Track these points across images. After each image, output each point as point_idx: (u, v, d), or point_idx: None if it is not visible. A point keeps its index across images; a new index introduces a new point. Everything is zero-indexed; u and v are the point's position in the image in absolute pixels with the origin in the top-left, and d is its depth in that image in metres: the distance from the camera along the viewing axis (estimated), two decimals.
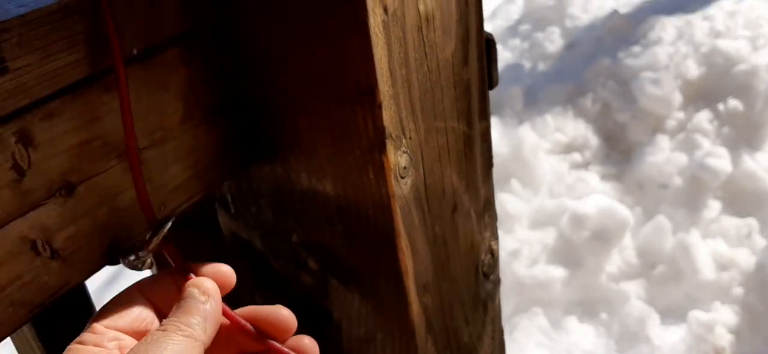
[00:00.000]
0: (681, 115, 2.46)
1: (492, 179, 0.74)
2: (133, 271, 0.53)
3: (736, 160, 2.31)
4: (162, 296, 0.48)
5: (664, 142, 2.40)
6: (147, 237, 0.50)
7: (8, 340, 0.51)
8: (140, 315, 0.46)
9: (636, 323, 1.99)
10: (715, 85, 2.46)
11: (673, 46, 2.64)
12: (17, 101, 0.45)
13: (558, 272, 2.13)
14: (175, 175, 0.56)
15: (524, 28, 3.24)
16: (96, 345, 0.43)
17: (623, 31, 2.86)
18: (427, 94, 0.58)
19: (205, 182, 0.59)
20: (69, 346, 0.43)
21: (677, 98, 2.46)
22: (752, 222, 2.20)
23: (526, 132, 2.45)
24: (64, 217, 0.48)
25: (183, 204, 0.57)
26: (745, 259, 2.10)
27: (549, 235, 2.21)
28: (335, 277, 0.65)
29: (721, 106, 2.39)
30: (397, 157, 0.56)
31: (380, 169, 0.55)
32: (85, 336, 0.44)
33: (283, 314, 0.49)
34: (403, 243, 0.59)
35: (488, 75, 0.68)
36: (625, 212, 2.14)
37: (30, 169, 0.46)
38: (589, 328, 2.11)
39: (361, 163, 0.56)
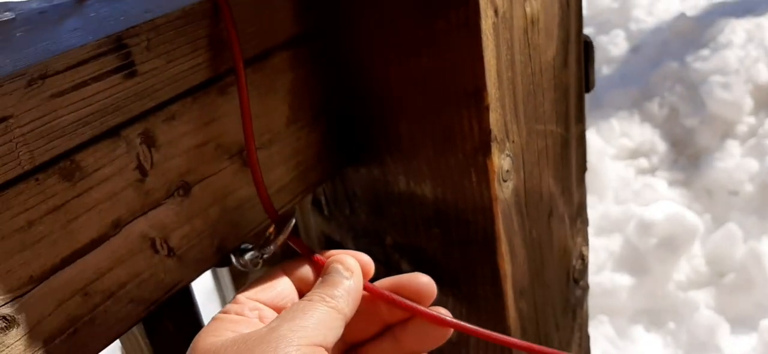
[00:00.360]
0: (752, 119, 2.38)
1: (585, 184, 0.73)
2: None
3: None
4: (303, 278, 0.50)
5: (734, 147, 2.33)
6: (271, 234, 0.51)
7: None
8: (282, 291, 0.48)
9: (705, 332, 1.93)
10: None
11: (743, 50, 2.55)
12: (144, 104, 0.46)
13: (624, 280, 2.09)
14: (280, 177, 0.57)
15: (588, 31, 3.17)
16: (238, 313, 0.45)
17: (691, 34, 2.79)
18: (530, 97, 0.58)
19: (306, 183, 0.59)
20: (214, 315, 0.45)
21: (748, 103, 2.38)
22: None
23: (592, 137, 2.40)
24: (181, 216, 0.50)
25: (286, 205, 0.58)
26: None
27: (615, 242, 2.17)
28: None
29: None
30: (500, 161, 0.55)
31: (483, 173, 0.55)
32: (228, 306, 0.46)
33: (423, 281, 0.50)
34: (504, 247, 0.58)
35: (585, 77, 0.68)
36: (694, 219, 2.08)
37: (152, 170, 0.47)
38: (656, 337, 2.06)
39: (464, 166, 0.56)
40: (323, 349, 0.41)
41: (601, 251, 2.16)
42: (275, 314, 0.46)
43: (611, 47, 2.94)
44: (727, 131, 2.38)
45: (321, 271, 0.49)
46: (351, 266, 0.48)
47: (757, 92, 2.40)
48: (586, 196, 0.73)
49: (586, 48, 0.67)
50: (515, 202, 0.59)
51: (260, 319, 0.45)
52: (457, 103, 0.54)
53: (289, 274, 0.50)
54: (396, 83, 0.56)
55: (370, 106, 0.59)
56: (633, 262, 2.12)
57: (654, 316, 2.12)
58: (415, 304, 0.49)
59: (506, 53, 0.53)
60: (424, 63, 0.54)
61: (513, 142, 0.57)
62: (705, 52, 2.59)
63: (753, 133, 2.36)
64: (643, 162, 2.43)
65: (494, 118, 0.53)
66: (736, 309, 2.07)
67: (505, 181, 0.56)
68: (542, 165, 0.62)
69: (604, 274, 2.11)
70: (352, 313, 0.46)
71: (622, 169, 2.40)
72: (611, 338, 1.99)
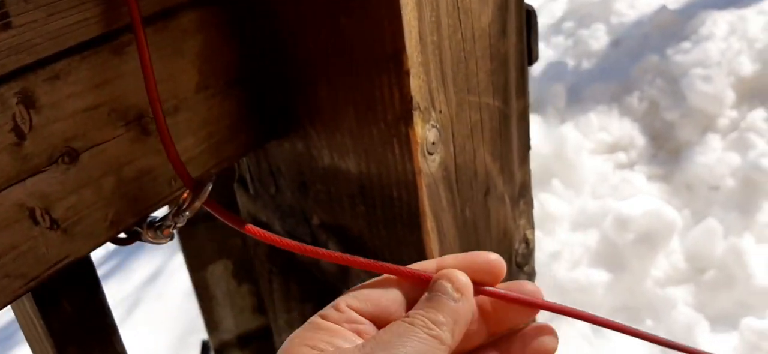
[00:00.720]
0: (734, 113, 2.35)
1: (529, 163, 0.69)
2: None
3: None
4: (413, 290, 0.44)
5: (715, 141, 2.30)
6: (185, 201, 0.47)
7: (11, 313, 0.49)
8: (388, 305, 0.42)
9: (684, 330, 1.90)
10: None
11: (725, 42, 2.52)
12: (20, 59, 0.42)
13: (601, 276, 2.06)
14: (188, 148, 0.53)
15: (568, 25, 3.16)
16: (336, 323, 0.40)
17: (672, 27, 2.75)
18: (461, 65, 0.54)
19: (220, 157, 0.55)
20: (311, 319, 0.41)
21: (730, 96, 2.35)
22: None
23: (569, 131, 2.37)
24: (67, 185, 0.45)
25: None
26: None
27: (591, 238, 2.14)
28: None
29: None
30: (425, 131, 0.51)
31: (406, 144, 0.51)
32: (327, 311, 0.41)
33: (491, 258, 0.44)
34: (430, 224, 0.54)
35: (528, 49, 0.64)
36: (672, 214, 2.05)
37: (31, 133, 0.43)
38: None
39: (386, 136, 0.52)
40: None
41: (577, 247, 2.13)
42: (375, 330, 0.41)
43: (592, 41, 2.91)
44: (708, 125, 2.35)
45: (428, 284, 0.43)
46: (461, 286, 0.41)
47: (739, 85, 2.37)
48: (531, 177, 0.70)
49: (529, 17, 0.63)
50: (443, 177, 0.55)
51: (358, 333, 0.40)
52: (376, 68, 0.50)
53: (399, 284, 0.44)
54: (314, 47, 0.53)
55: (289, 74, 0.55)
56: (610, 257, 2.09)
57: (631, 314, 2.09)
58: (542, 300, 0.44)
59: (430, 14, 0.49)
60: (342, 23, 0.50)
61: (440, 112, 0.53)
62: (686, 44, 2.56)
63: (735, 126, 2.33)
64: (622, 156, 2.40)
65: (416, 85, 0.50)
66: (716, 307, 2.04)
67: (430, 154, 0.53)
68: (477, 140, 0.58)
69: (580, 270, 2.08)
70: (458, 340, 0.40)
71: (600, 164, 2.37)
72: (586, 336, 1.95)
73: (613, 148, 2.45)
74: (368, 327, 0.41)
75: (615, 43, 2.89)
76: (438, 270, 0.42)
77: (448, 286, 0.40)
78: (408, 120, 0.50)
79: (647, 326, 2.01)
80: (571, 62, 2.92)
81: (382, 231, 0.57)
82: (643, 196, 2.13)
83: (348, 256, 0.45)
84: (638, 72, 2.57)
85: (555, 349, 0.44)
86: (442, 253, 0.57)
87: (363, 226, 0.58)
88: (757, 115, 2.29)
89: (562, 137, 2.34)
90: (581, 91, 2.63)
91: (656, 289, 2.07)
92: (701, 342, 1.87)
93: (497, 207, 0.64)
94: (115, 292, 2.70)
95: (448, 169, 0.55)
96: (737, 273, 2.00)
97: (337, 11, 0.49)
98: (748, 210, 2.10)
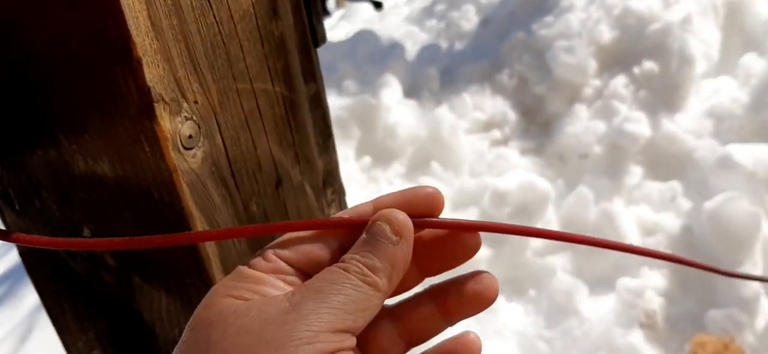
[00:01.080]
0: (597, 82, 2.43)
1: (333, 150, 0.66)
2: None
3: (655, 124, 2.29)
4: (354, 240, 0.39)
5: (581, 111, 2.37)
6: None
7: None
8: (320, 253, 0.38)
9: (564, 297, 1.95)
10: (630, 48, 2.44)
11: (585, 12, 2.60)
12: None
13: (483, 252, 2.08)
14: None
15: (440, 7, 3.19)
16: (262, 271, 0.37)
17: (536, 2, 2.82)
18: (218, 50, 0.49)
19: None
20: (238, 267, 0.37)
21: (592, 65, 2.42)
22: (675, 185, 2.18)
23: (444, 113, 2.39)
24: None
25: None
26: (671, 222, 2.08)
27: (471, 215, 2.16)
28: (137, 274, 0.55)
29: (636, 70, 2.37)
30: (176, 125, 0.47)
31: (154, 140, 0.46)
32: (254, 260, 0.37)
33: (429, 191, 0.39)
34: (200, 225, 0.50)
35: (311, 30, 0.60)
36: (545, 185, 2.10)
37: None
38: (517, 306, 2.07)
39: (133, 134, 0.47)
40: (350, 336, 0.34)
41: None
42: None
43: (463, 22, 2.95)
44: (574, 96, 2.42)
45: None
46: (400, 227, 0.37)
47: (600, 53, 2.45)
48: (338, 163, 0.66)
49: None
50: (212, 172, 0.50)
51: (286, 284, 0.36)
52: (108, 59, 0.45)
53: (334, 234, 0.39)
54: (41, 43, 0.47)
55: (26, 75, 0.49)
56: (490, 233, 2.12)
57: (514, 285, 2.12)
58: (492, 223, 0.40)
59: None
60: (63, 14, 0.44)
61: (196, 102, 0.48)
62: (549, 18, 2.63)
63: (599, 95, 2.41)
64: (496, 133, 2.44)
65: (155, 74, 0.45)
66: (593, 271, 2.10)
67: (188, 148, 0.48)
68: (256, 129, 0.54)
69: None
70: (395, 286, 0.37)
71: (476, 143, 2.40)
72: None
73: (487, 126, 2.49)
74: (297, 279, 0.37)
75: (484, 23, 2.94)
76: (375, 212, 0.38)
77: (386, 228, 0.37)
78: (150, 114, 0.45)
79: (530, 296, 2.05)
80: (444, 44, 2.94)
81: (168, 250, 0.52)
82: (518, 171, 2.17)
83: (237, 228, 0.41)
84: (507, 49, 2.61)
85: (495, 291, 0.40)
86: (225, 255, 0.53)
87: (133, 234, 0.53)
88: (618, 81, 2.37)
89: (437, 119, 2.35)
90: (454, 73, 2.66)
91: (536, 259, 2.11)
92: (582, 307, 1.92)
93: (295, 198, 0.60)
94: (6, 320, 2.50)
95: (217, 164, 0.51)
96: (610, 236, 2.07)
97: (55, 2, 0.44)
98: (615, 175, 2.18)
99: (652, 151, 2.27)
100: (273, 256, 0.37)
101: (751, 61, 2.39)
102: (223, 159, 0.51)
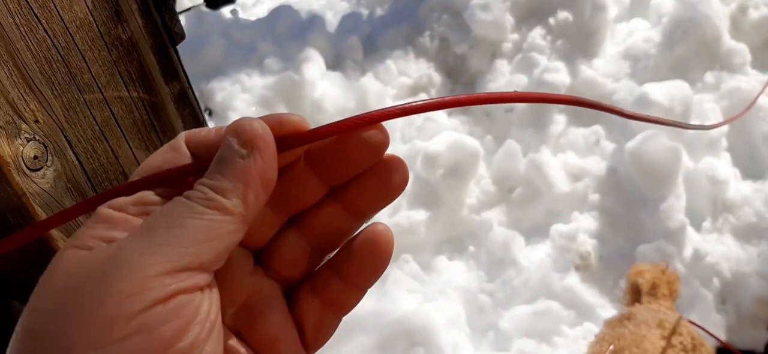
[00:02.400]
0: (515, 36, 2.47)
1: None
2: None
3: (573, 71, 2.35)
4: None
5: (503, 66, 2.41)
6: None
7: None
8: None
9: (502, 249, 2.00)
10: (544, 0, 2.49)
11: None
12: None
13: (420, 215, 2.10)
14: None
15: None
16: (120, 209, 0.31)
17: None
18: (56, 64, 0.47)
19: None
20: (98, 209, 0.31)
21: (509, 20, 2.47)
22: (598, 129, 2.25)
23: (370, 81, 2.39)
24: None
25: None
26: (596, 165, 2.15)
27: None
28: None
29: (552, 20, 2.42)
30: (15, 148, 0.44)
31: None
32: (115, 200, 0.31)
33: (292, 118, 0.34)
34: (61, 244, 0.48)
35: (165, 28, 0.57)
36: (474, 143, 2.13)
37: None
38: (459, 264, 2.11)
39: None
40: (196, 273, 0.29)
41: None
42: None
43: None
44: (494, 52, 2.46)
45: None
46: (249, 137, 0.31)
47: (515, 8, 2.49)
48: None
49: None
50: (68, 189, 0.48)
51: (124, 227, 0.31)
52: None
53: (195, 147, 0.33)
54: None
55: None
56: (426, 196, 2.14)
57: (454, 244, 2.16)
58: (385, 109, 0.34)
59: None
60: None
61: (36, 121, 0.46)
62: None
63: (518, 49, 2.45)
64: (424, 97, 2.46)
65: None
66: (528, 220, 2.16)
67: (35, 169, 0.46)
68: (114, 139, 0.52)
69: (401, 214, 2.11)
70: (258, 209, 0.31)
71: None
72: (417, 275, 2.00)
73: (414, 90, 2.50)
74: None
75: None
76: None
77: (233, 140, 0.31)
78: None
79: (470, 252, 2.10)
80: (364, 12, 2.93)
81: (25, 265, 0.50)
82: (447, 132, 2.19)
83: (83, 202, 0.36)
84: (426, 11, 2.63)
85: (401, 169, 0.35)
86: None
87: (3, 263, 0.51)
88: (535, 33, 2.42)
89: (364, 89, 2.34)
90: (377, 40, 2.66)
91: (472, 215, 2.15)
92: (519, 256, 1.97)
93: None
94: None
95: (74, 180, 0.49)
96: (540, 185, 2.12)
97: None
98: (541, 125, 2.23)
99: None
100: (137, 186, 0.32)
101: (661, 2, 2.47)
102: (80, 174, 0.50)
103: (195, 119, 0.57)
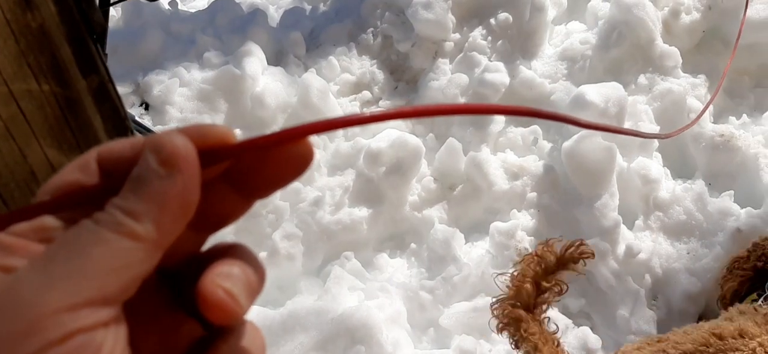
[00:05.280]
0: (457, 36, 2.50)
1: None
2: None
3: (513, 71, 2.39)
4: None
5: (445, 65, 2.43)
6: None
7: None
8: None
9: (442, 246, 2.01)
10: (485, 1, 2.52)
11: None
12: None
13: (362, 213, 2.10)
14: None
15: None
16: (21, 235, 0.28)
17: None
18: None
19: None
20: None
21: (451, 20, 2.49)
22: (536, 128, 2.30)
23: (313, 77, 2.37)
24: None
25: None
26: (534, 164, 2.19)
27: (348, 178, 2.17)
28: None
29: (492, 21, 2.46)
30: None
31: None
32: (18, 226, 0.28)
33: (217, 130, 0.31)
34: None
35: (83, 17, 0.55)
36: (417, 141, 2.14)
37: None
38: (401, 261, 2.12)
39: None
40: (104, 308, 0.26)
41: (337, 189, 2.15)
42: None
43: None
44: (437, 51, 2.48)
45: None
46: (169, 154, 0.28)
47: (457, 8, 2.51)
48: None
49: None
50: None
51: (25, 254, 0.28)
52: None
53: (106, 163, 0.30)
54: None
55: None
56: (368, 193, 2.14)
57: (396, 241, 2.17)
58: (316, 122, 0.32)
59: None
60: None
61: None
62: None
63: (460, 48, 2.48)
64: (367, 94, 2.46)
65: None
66: (468, 218, 2.18)
67: None
68: (22, 136, 0.50)
69: (343, 211, 2.11)
70: (176, 230, 0.28)
71: (347, 105, 2.41)
72: (358, 272, 2.00)
73: (357, 88, 2.50)
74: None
75: None
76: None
77: (151, 158, 0.28)
78: None
79: (412, 249, 2.11)
80: (307, 7, 2.90)
81: None
82: (390, 129, 2.19)
83: None
84: (369, 8, 2.62)
85: (309, 155, 0.33)
86: None
87: None
88: (477, 34, 2.45)
89: (306, 85, 2.33)
90: (319, 35, 2.64)
91: (414, 212, 2.17)
92: (460, 253, 1.99)
93: None
94: None
95: None
96: (481, 183, 2.15)
97: None
98: (481, 124, 2.26)
99: (512, 97, 2.38)
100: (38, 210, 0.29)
101: (598, 5, 2.54)
102: None
103: (116, 115, 0.55)
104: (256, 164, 0.32)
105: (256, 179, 0.32)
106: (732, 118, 2.22)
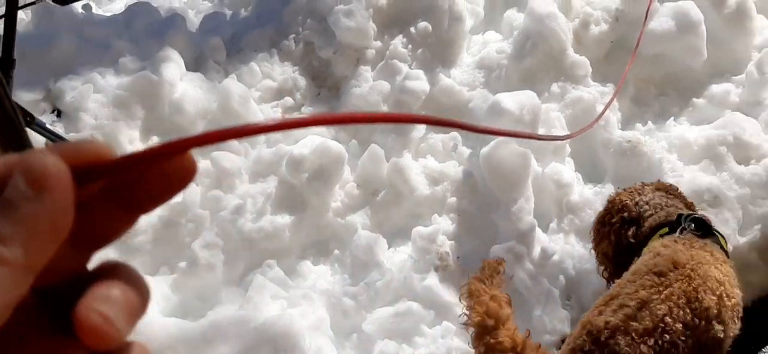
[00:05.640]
0: (378, 43, 2.53)
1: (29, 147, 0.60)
2: None
3: (433, 79, 2.44)
4: None
5: (366, 72, 2.46)
6: None
7: None
8: None
9: (365, 252, 2.03)
10: (405, 10, 2.57)
11: None
12: None
13: (285, 220, 2.10)
14: None
15: None
16: None
17: None
18: None
19: None
20: None
21: (372, 28, 2.52)
22: (456, 135, 2.35)
23: (233, 83, 2.35)
24: None
25: None
26: (454, 170, 2.24)
27: (271, 185, 2.16)
28: None
29: (413, 30, 2.50)
30: None
31: None
32: None
33: (93, 146, 0.30)
34: None
35: None
36: (339, 147, 2.16)
37: None
38: (324, 268, 2.12)
39: None
40: None
41: (258, 196, 2.14)
42: None
43: None
44: (359, 58, 2.50)
45: None
46: (40, 175, 0.27)
47: (378, 16, 2.54)
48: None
49: None
50: None
51: None
52: None
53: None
54: None
55: None
56: (291, 200, 2.14)
57: (319, 248, 2.17)
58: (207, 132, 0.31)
59: None
60: None
61: None
62: None
63: (381, 56, 2.51)
64: (289, 100, 2.45)
65: None
66: (391, 223, 2.20)
67: None
68: None
69: (266, 219, 2.09)
70: (47, 253, 0.27)
71: (269, 111, 2.40)
72: (281, 280, 1.98)
73: (279, 94, 2.49)
74: None
75: None
76: None
77: (20, 179, 0.27)
78: None
79: (335, 256, 2.11)
80: (228, 12, 2.87)
81: None
82: (313, 136, 2.20)
83: None
84: (290, 14, 2.62)
85: (192, 169, 0.32)
86: None
87: None
88: (397, 42, 2.49)
89: (227, 91, 2.30)
90: (240, 41, 2.62)
91: (337, 219, 2.17)
92: (382, 259, 2.01)
93: None
94: None
95: None
96: (402, 189, 2.18)
97: None
98: (402, 131, 2.29)
99: (432, 104, 2.43)
100: None
101: (513, 16, 2.62)
102: None
103: (9, 125, 0.52)
104: (138, 179, 0.31)
105: (139, 195, 0.32)
106: (638, 125, 2.34)
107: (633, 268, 1.44)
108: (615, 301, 1.35)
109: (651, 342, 1.26)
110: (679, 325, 1.28)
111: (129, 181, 0.31)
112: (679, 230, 1.50)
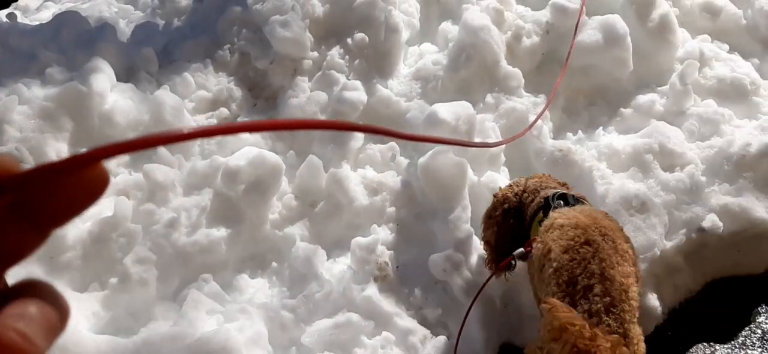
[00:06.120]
0: (315, 54, 2.53)
1: None
2: None
3: (370, 90, 2.45)
4: None
5: (303, 83, 2.45)
6: None
7: None
8: None
9: (304, 264, 2.02)
10: (341, 21, 2.57)
11: None
12: None
13: (221, 233, 2.06)
14: None
15: None
16: None
17: None
18: None
19: None
20: None
21: (309, 38, 2.51)
22: (394, 145, 2.36)
23: (166, 94, 2.30)
24: None
25: None
26: (392, 180, 2.25)
27: (206, 197, 2.12)
28: None
29: (349, 41, 2.51)
30: None
31: None
32: None
33: (2, 158, 0.29)
34: None
35: None
36: (276, 159, 2.14)
37: None
38: (262, 281, 2.09)
39: None
40: None
41: (193, 210, 2.09)
42: None
43: None
44: (295, 68, 2.49)
45: None
46: None
47: (315, 27, 2.54)
48: None
49: None
50: None
51: None
52: None
53: None
54: None
55: None
56: (227, 213, 2.10)
57: (257, 261, 2.14)
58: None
59: None
60: None
61: None
62: None
63: (318, 67, 2.51)
64: (224, 111, 2.42)
65: None
66: (330, 234, 2.19)
67: None
68: None
69: (201, 232, 2.05)
70: None
71: (203, 122, 2.36)
72: (217, 295, 1.94)
73: (214, 105, 2.45)
74: None
75: None
76: None
77: None
78: None
79: (273, 268, 2.09)
80: (160, 22, 2.81)
81: None
82: (249, 147, 2.17)
83: None
84: (225, 25, 2.59)
85: (103, 180, 0.31)
86: None
87: None
88: (334, 53, 2.49)
89: (159, 102, 2.25)
90: (173, 52, 2.56)
91: (275, 231, 2.15)
92: (321, 270, 2.00)
93: None
94: None
95: None
96: (341, 199, 2.18)
97: None
98: (341, 141, 2.29)
99: (370, 115, 2.43)
100: None
101: (448, 28, 2.66)
102: None
103: None
104: (48, 193, 0.30)
105: (49, 209, 0.31)
106: (569, 134, 2.41)
107: (554, 253, 1.53)
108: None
109: None
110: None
111: (38, 195, 0.30)
112: (552, 208, 1.68)
